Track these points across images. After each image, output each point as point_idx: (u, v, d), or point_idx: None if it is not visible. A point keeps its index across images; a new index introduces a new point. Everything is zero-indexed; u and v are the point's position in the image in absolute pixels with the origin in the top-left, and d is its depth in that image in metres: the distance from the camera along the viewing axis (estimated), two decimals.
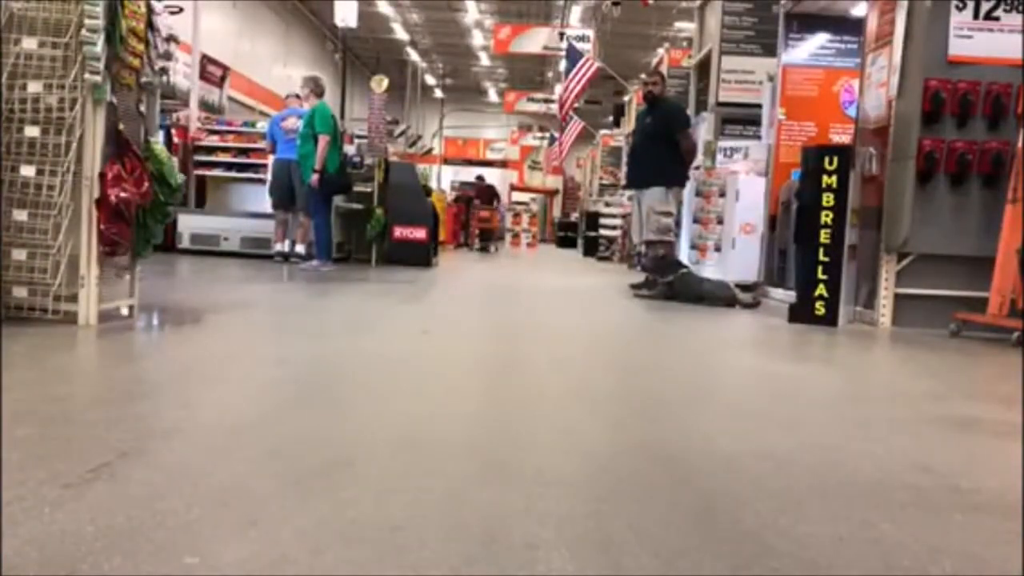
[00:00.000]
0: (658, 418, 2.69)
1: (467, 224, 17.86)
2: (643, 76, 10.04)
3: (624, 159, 16.99)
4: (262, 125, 10.61)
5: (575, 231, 24.17)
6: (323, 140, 8.20)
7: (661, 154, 7.40)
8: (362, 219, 10.09)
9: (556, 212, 32.96)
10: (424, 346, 4.12)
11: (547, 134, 32.16)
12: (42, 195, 3.72)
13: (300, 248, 9.01)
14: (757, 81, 9.80)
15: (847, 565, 1.51)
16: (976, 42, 5.63)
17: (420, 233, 10.11)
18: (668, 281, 6.98)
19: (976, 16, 5.63)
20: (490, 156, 36.83)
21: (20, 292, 3.75)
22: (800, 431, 2.57)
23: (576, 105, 19.72)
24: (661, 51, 16.72)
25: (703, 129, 10.40)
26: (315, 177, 8.27)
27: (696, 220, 8.96)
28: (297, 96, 9.24)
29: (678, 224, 8.58)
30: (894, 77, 5.78)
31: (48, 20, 3.73)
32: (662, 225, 7.40)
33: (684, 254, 8.86)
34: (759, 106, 9.48)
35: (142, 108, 4.19)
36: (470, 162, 35.34)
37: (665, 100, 7.70)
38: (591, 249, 17.54)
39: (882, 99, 5.98)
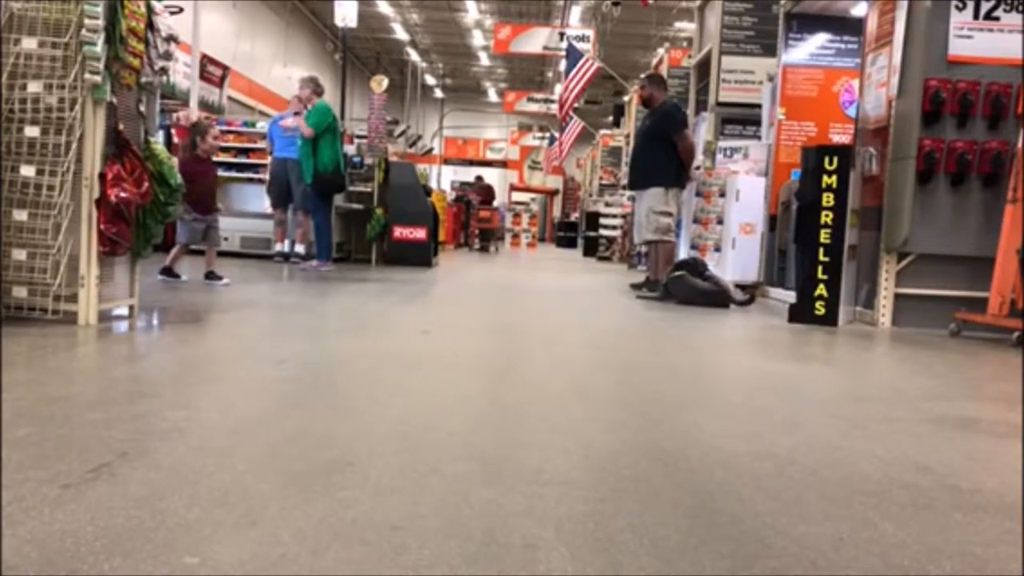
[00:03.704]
0: (658, 418, 2.69)
1: (467, 224, 17.86)
2: (641, 76, 10.04)
3: (624, 159, 17.02)
4: (262, 125, 10.63)
5: (575, 231, 24.19)
6: (308, 132, 8.16)
7: (659, 155, 7.41)
8: (362, 219, 10.10)
9: (556, 212, 32.97)
10: (424, 346, 4.12)
11: (547, 134, 32.18)
12: (42, 195, 3.72)
13: (300, 248, 9.02)
14: (757, 81, 9.81)
15: (847, 565, 1.51)
16: (976, 42, 5.63)
17: (420, 233, 10.11)
18: (664, 284, 6.98)
19: (976, 16, 5.63)
20: (490, 156, 36.85)
21: (20, 292, 3.76)
22: (800, 431, 2.57)
23: (576, 105, 19.72)
24: (661, 51, 16.69)
25: (703, 129, 10.40)
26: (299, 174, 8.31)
27: (696, 220, 8.97)
28: (299, 99, 9.25)
29: (678, 225, 8.59)
30: (894, 77, 5.78)
31: (48, 20, 3.73)
32: (661, 225, 7.41)
33: (684, 254, 8.86)
34: (759, 106, 9.49)
35: (142, 108, 4.19)
36: (470, 162, 35.36)
37: (662, 102, 7.70)
38: (591, 249, 17.55)
39: (882, 99, 5.98)
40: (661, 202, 7.38)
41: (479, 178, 22.99)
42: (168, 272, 6.38)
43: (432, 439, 2.25)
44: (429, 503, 1.71)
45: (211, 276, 6.41)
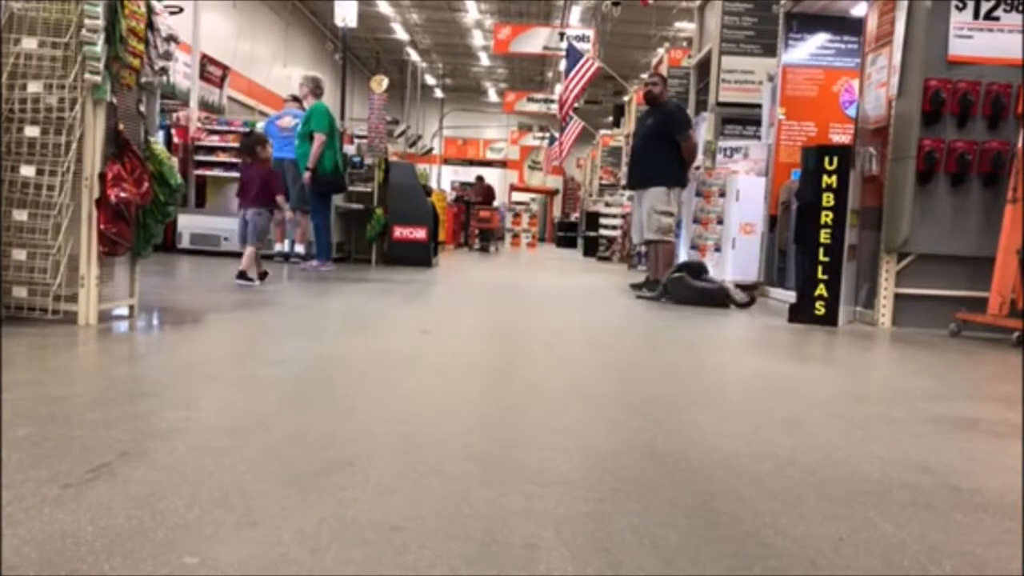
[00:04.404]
0: (658, 418, 2.69)
1: (467, 224, 17.86)
2: (644, 77, 10.04)
3: (624, 159, 17.00)
4: (262, 125, 10.62)
5: (575, 231, 24.20)
6: (318, 138, 8.19)
7: (662, 154, 7.41)
8: (362, 219, 10.10)
9: (556, 212, 32.98)
10: (424, 346, 4.12)
11: (547, 134, 32.17)
12: (42, 195, 3.72)
13: (299, 248, 9.01)
14: (757, 81, 9.80)
15: (847, 565, 1.51)
16: (976, 42, 5.63)
17: (420, 233, 10.11)
18: (663, 284, 6.98)
19: (976, 16, 5.63)
20: (490, 156, 36.85)
21: (20, 292, 3.75)
22: (800, 431, 2.57)
23: (576, 105, 19.73)
24: (661, 51, 16.68)
25: (703, 129, 10.41)
26: (307, 175, 8.27)
27: (696, 220, 8.96)
28: (295, 99, 9.25)
29: (678, 224, 8.59)
30: (894, 77, 5.78)
31: (48, 20, 3.73)
32: (663, 225, 7.41)
33: (684, 254, 8.86)
34: (759, 106, 9.49)
35: (142, 108, 4.19)
36: (470, 162, 35.36)
37: (666, 101, 7.73)
38: (591, 249, 17.55)
39: (882, 99, 5.98)
40: (663, 202, 7.38)
41: (480, 178, 23.00)
42: (264, 276, 6.65)
43: (432, 439, 2.25)
44: (429, 503, 1.71)
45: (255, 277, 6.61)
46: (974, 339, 5.29)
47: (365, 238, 10.09)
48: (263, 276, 6.64)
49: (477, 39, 28.92)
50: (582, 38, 19.42)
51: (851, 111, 7.92)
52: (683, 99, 11.92)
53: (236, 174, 10.25)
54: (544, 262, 15.28)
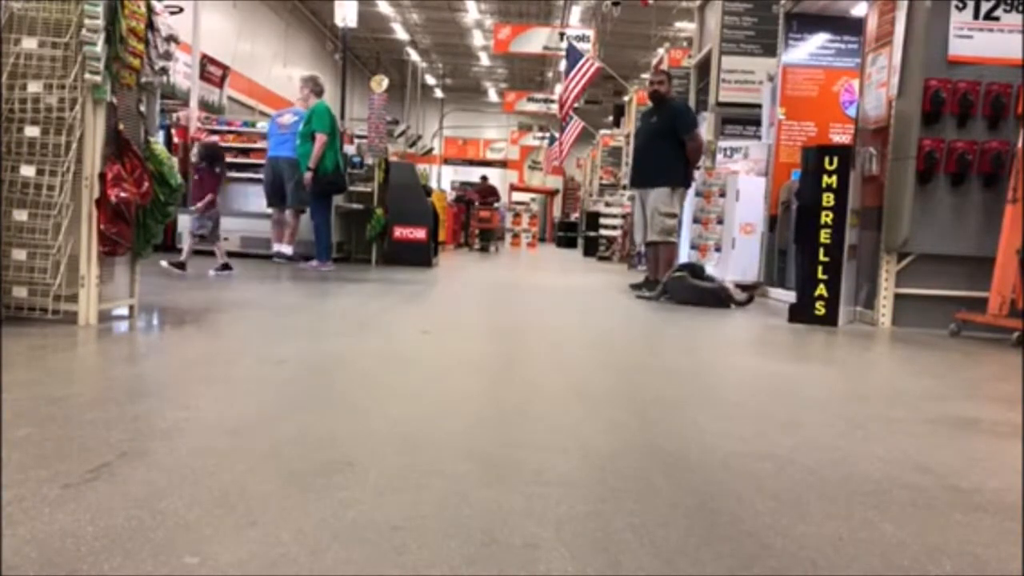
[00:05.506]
0: (658, 418, 2.69)
1: (467, 224, 17.86)
2: (648, 75, 10.02)
3: (625, 159, 17.01)
4: (262, 125, 10.61)
5: (575, 231, 24.20)
6: (320, 138, 8.19)
7: (667, 154, 7.37)
8: (362, 219, 10.10)
9: (556, 212, 32.97)
10: (424, 346, 4.12)
11: (547, 134, 32.18)
12: (42, 195, 3.72)
13: (287, 248, 8.87)
14: (757, 81, 9.80)
15: (847, 565, 1.51)
16: (976, 42, 5.63)
17: (420, 233, 10.11)
18: (663, 284, 6.98)
19: (976, 16, 5.63)
20: (490, 156, 36.84)
21: (20, 292, 3.76)
22: (800, 431, 2.57)
23: (576, 105, 19.73)
24: (661, 51, 16.69)
25: (703, 129, 10.41)
26: (308, 175, 8.26)
27: (696, 220, 8.96)
28: (302, 101, 9.24)
29: (679, 224, 8.59)
30: (894, 77, 5.78)
31: (48, 20, 3.73)
32: (667, 226, 7.38)
33: (684, 254, 8.86)
34: (759, 106, 9.49)
35: (142, 108, 4.19)
36: (470, 162, 35.36)
37: (672, 100, 7.71)
38: (591, 249, 17.56)
39: (882, 99, 5.98)
40: (667, 203, 7.35)
41: (483, 178, 22.99)
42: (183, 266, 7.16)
43: (432, 439, 2.25)
44: (429, 503, 1.71)
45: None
46: (974, 339, 5.29)
47: (365, 238, 10.09)
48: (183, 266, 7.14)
49: (477, 39, 28.92)
50: (582, 38, 19.42)
51: (851, 111, 7.92)
52: (683, 99, 11.93)
53: (237, 174, 10.28)
54: (544, 262, 15.28)
